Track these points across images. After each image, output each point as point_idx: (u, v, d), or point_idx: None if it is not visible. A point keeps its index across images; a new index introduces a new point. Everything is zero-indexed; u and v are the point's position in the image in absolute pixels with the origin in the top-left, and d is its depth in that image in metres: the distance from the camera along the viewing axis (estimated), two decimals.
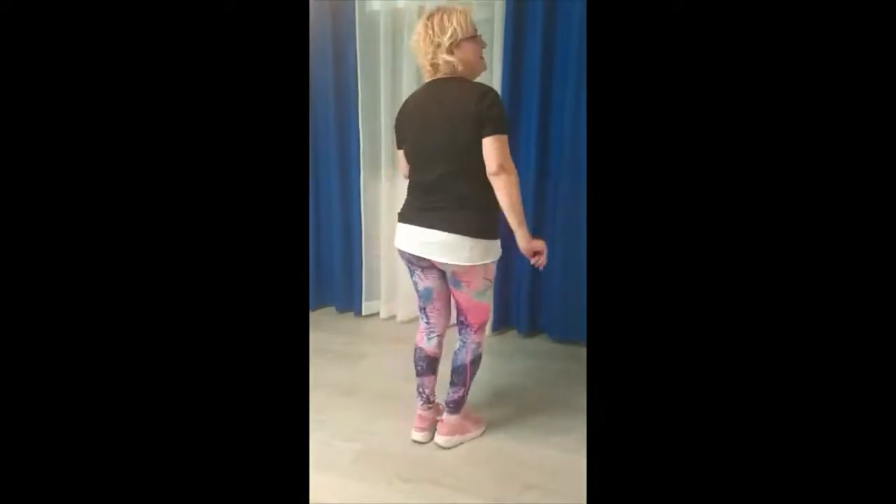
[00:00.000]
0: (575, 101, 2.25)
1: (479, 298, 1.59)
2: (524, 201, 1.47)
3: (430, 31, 1.43)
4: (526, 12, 2.28)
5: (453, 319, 1.71)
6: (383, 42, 2.48)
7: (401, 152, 1.62)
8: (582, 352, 2.45)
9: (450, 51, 1.43)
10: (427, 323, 1.71)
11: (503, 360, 2.39)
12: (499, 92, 1.61)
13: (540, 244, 1.49)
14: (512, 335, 2.67)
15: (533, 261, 1.52)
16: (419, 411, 1.77)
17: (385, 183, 2.65)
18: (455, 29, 1.42)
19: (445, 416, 1.74)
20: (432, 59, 1.45)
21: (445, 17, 1.43)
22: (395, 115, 1.61)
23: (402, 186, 1.66)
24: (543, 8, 2.23)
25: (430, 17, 1.45)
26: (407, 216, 1.56)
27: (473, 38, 1.46)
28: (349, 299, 2.90)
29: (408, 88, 2.42)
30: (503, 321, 2.68)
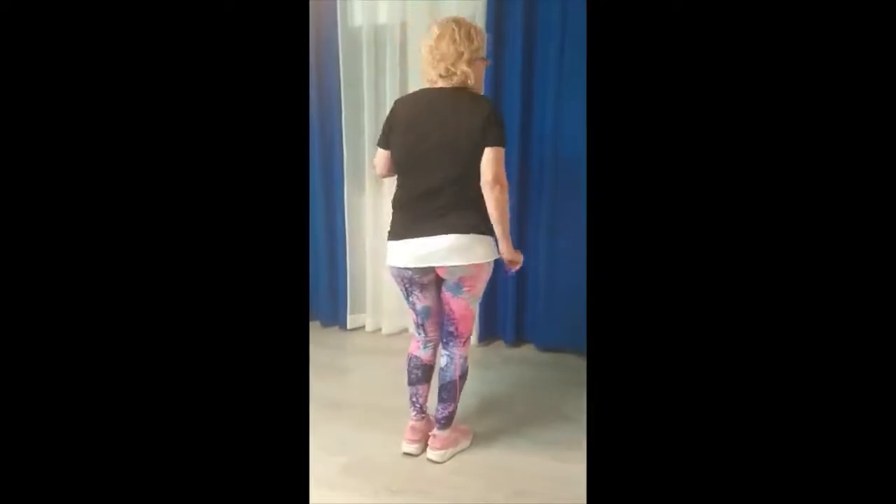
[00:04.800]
0: (555, 109, 2.27)
1: (474, 305, 1.62)
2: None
3: (457, 38, 1.45)
4: (505, 15, 2.31)
5: None
6: (366, 57, 2.50)
7: (382, 153, 1.60)
8: (568, 360, 2.46)
9: (469, 63, 1.46)
10: (425, 336, 1.71)
11: (490, 370, 2.38)
12: None
13: (519, 254, 1.59)
14: (498, 345, 2.67)
15: (509, 269, 1.62)
16: (412, 422, 1.75)
17: (369, 196, 2.66)
18: (480, 44, 1.48)
19: (437, 431, 1.72)
20: (452, 64, 1.45)
21: (473, 30, 1.47)
22: (382, 118, 1.60)
23: (387, 199, 1.64)
24: (523, 11, 2.25)
25: (457, 24, 1.47)
26: (403, 231, 1.53)
27: (484, 58, 1.53)
28: (334, 313, 2.88)
29: (391, 103, 2.43)
30: (489, 332, 2.68)
